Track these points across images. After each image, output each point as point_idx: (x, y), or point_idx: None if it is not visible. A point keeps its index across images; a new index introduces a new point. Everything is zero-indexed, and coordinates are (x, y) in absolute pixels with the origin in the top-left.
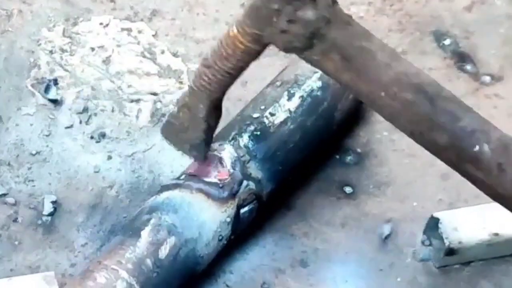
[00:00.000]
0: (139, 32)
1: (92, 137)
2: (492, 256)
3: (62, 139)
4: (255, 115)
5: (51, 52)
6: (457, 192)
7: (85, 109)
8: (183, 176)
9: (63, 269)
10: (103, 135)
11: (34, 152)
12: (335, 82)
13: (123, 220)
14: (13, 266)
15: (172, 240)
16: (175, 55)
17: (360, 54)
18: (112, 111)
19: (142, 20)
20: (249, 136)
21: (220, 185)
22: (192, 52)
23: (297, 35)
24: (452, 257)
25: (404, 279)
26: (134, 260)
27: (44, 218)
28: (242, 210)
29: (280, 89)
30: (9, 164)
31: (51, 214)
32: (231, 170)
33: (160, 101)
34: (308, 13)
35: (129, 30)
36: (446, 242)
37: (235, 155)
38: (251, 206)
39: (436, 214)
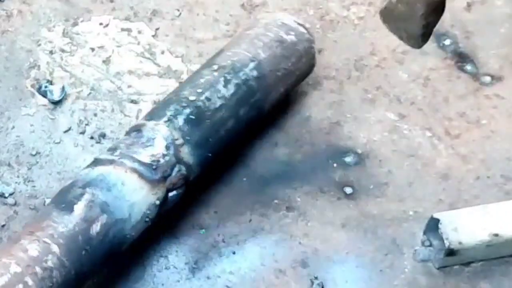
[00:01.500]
0: (139, 32)
1: (92, 137)
2: (492, 257)
3: (62, 139)
4: (192, 98)
5: (51, 52)
6: (457, 193)
7: (85, 109)
8: (117, 152)
9: None
10: (103, 135)
11: (34, 152)
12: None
13: None
14: None
15: (103, 218)
16: (175, 55)
17: None
18: (112, 111)
19: (142, 20)
20: (184, 119)
21: (154, 167)
22: (192, 52)
23: None
24: (452, 257)
25: (404, 279)
26: (66, 235)
27: None
28: (171, 194)
29: (217, 73)
30: (9, 164)
31: None
32: (165, 152)
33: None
34: None
35: (129, 30)
36: (446, 243)
37: (171, 137)
38: (179, 190)
39: (436, 215)
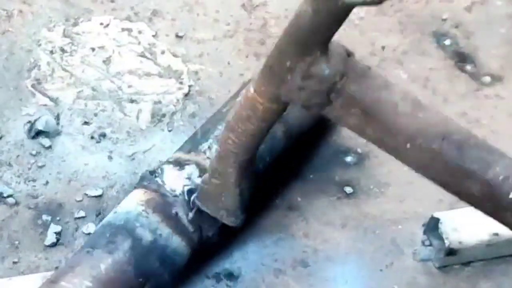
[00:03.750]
0: (139, 32)
1: (92, 137)
2: (492, 256)
3: (62, 139)
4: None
5: (51, 52)
6: None
7: (85, 109)
8: None
9: None
10: (103, 136)
11: (34, 152)
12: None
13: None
14: (13, 266)
15: None
16: (175, 55)
17: (380, 107)
18: (112, 111)
19: (142, 20)
20: None
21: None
22: (192, 52)
23: (314, 91)
24: (452, 257)
25: (404, 279)
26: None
27: (44, 218)
28: None
29: None
30: (9, 164)
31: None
32: None
33: (160, 102)
34: (322, 68)
35: (129, 30)
36: (446, 242)
37: None
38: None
39: (436, 214)
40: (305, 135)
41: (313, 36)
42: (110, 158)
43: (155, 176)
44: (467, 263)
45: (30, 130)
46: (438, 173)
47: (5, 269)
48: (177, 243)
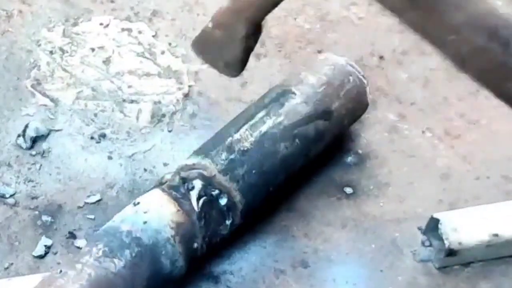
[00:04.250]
0: (139, 32)
1: (92, 138)
2: (492, 257)
3: (62, 139)
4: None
5: (51, 52)
6: (457, 193)
7: (85, 110)
8: None
9: None
10: (103, 136)
11: (34, 152)
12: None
13: None
14: (13, 266)
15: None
16: (175, 55)
17: None
18: (112, 111)
19: (142, 20)
20: None
21: None
22: (192, 52)
23: None
24: (452, 257)
25: (404, 279)
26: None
27: (44, 218)
28: None
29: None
30: (9, 164)
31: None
32: None
33: (160, 102)
34: None
35: (129, 30)
36: (446, 243)
37: None
38: None
39: (436, 215)
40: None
41: None
42: (110, 158)
43: (188, 190)
44: (467, 264)
45: (25, 140)
46: (481, 69)
47: (4, 269)
48: (184, 271)
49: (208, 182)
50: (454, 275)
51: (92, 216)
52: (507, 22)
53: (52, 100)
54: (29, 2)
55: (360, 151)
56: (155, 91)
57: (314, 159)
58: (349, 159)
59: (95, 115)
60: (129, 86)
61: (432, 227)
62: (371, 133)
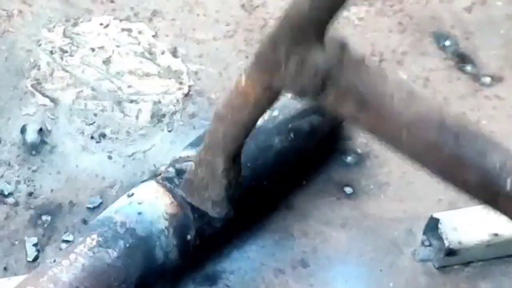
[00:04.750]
0: (139, 32)
1: (92, 137)
2: (492, 257)
3: (62, 139)
4: None
5: (51, 52)
6: (457, 192)
7: (85, 109)
8: None
9: None
10: (103, 135)
11: (34, 152)
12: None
13: None
14: (13, 265)
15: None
16: (175, 55)
17: (375, 96)
18: (112, 111)
19: (142, 20)
20: None
21: None
22: (192, 52)
23: (309, 79)
24: (452, 257)
25: (404, 279)
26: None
27: (44, 218)
28: None
29: None
30: (9, 164)
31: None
32: None
33: (160, 102)
34: (318, 56)
35: (129, 30)
36: (446, 243)
37: None
38: None
39: (436, 215)
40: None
41: (310, 23)
42: (110, 158)
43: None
44: (466, 264)
45: (25, 140)
46: (434, 162)
47: (4, 269)
48: (178, 263)
49: None
50: (454, 275)
51: (92, 216)
52: (453, 115)
53: (52, 100)
54: (29, 2)
55: (360, 151)
56: (155, 91)
57: (309, 154)
58: (349, 158)
59: (95, 115)
60: (129, 86)
61: (432, 227)
62: None
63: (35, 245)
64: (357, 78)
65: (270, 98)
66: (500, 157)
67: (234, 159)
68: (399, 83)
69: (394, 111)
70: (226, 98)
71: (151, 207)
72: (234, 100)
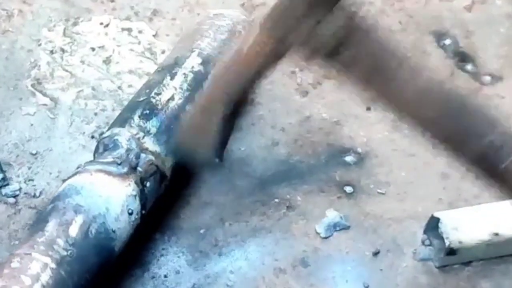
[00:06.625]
0: (140, 32)
1: (92, 137)
2: (492, 256)
3: (62, 139)
4: (141, 99)
5: (51, 52)
6: (457, 192)
7: (86, 109)
8: (82, 164)
9: None
10: None
11: (34, 152)
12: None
13: None
14: None
15: (80, 218)
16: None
17: (386, 63)
18: (113, 111)
19: (142, 20)
20: (139, 116)
21: (118, 162)
22: None
23: (323, 39)
24: (452, 256)
25: (404, 279)
26: (45, 242)
27: None
28: (148, 183)
29: (162, 73)
30: (9, 164)
31: None
32: (128, 147)
33: None
34: (330, 23)
35: (129, 30)
36: (446, 242)
37: (129, 134)
38: (154, 177)
39: (436, 214)
40: None
41: None
42: None
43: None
44: (467, 263)
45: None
46: (438, 131)
47: None
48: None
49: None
50: (454, 274)
51: None
52: (457, 90)
53: (52, 99)
54: (30, 1)
55: (360, 150)
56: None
57: None
58: (349, 158)
59: (95, 114)
60: (129, 86)
61: (432, 226)
62: (371, 133)
63: None
64: (369, 43)
65: (282, 50)
66: (501, 135)
67: (232, 110)
68: (407, 53)
69: (401, 80)
70: (237, 49)
71: (92, 190)
72: (245, 49)
